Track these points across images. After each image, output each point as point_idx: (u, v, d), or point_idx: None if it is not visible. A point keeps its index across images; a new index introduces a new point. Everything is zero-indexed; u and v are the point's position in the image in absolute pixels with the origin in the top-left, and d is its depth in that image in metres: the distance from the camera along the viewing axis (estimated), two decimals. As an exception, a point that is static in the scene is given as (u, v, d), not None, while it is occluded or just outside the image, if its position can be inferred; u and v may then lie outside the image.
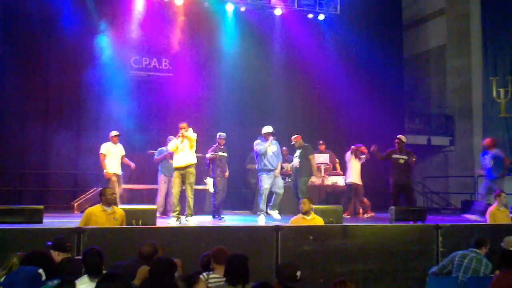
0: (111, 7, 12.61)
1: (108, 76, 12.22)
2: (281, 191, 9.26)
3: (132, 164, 9.89)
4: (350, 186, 10.75)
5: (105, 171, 9.38)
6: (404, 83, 16.64)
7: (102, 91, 12.10)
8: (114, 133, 9.71)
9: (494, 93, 13.59)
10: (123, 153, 9.78)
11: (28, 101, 11.99)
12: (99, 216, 6.19)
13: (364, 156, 10.85)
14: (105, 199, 6.27)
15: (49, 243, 4.77)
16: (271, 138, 9.24)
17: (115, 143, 9.64)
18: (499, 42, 16.48)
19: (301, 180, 9.74)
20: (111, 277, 3.51)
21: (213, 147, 9.85)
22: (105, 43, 12.22)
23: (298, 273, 4.34)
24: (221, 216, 9.55)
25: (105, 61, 12.22)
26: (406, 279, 6.85)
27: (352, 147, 11.00)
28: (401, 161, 9.79)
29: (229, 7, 13.71)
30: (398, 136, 10.06)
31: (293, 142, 10.16)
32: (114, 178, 9.40)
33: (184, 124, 8.53)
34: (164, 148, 10.29)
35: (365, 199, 10.95)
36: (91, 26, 12.24)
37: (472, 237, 6.10)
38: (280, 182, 9.33)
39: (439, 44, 18.41)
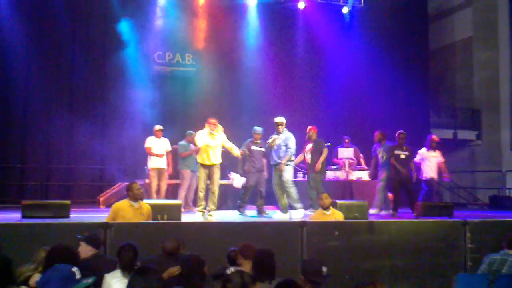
0: (135, 2, 12.66)
1: (132, 71, 12.32)
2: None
3: (170, 169, 9.94)
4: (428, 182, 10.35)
5: (149, 166, 9.63)
6: (429, 76, 16.39)
7: (126, 86, 12.20)
8: (157, 127, 9.83)
9: (523, 86, 13.30)
10: (169, 148, 9.87)
11: (53, 95, 12.14)
12: (127, 211, 6.22)
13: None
14: (132, 194, 6.31)
15: (80, 236, 4.82)
16: (278, 129, 8.92)
17: (158, 137, 9.76)
18: (528, 34, 16.14)
19: (311, 176, 9.62)
20: (144, 271, 3.56)
21: (246, 142, 9.63)
22: (129, 38, 12.29)
23: (324, 269, 4.30)
24: (244, 211, 9.41)
25: (129, 56, 12.31)
26: (433, 275, 6.75)
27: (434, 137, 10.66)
28: (403, 156, 9.71)
29: (252, 1, 13.66)
30: (401, 131, 9.92)
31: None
32: (153, 173, 9.49)
33: (214, 120, 8.30)
34: (184, 142, 10.29)
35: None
36: (115, 21, 12.31)
37: (501, 233, 5.98)
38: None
39: (465, 36, 18.10)
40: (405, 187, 9.72)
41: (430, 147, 10.38)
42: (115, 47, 12.22)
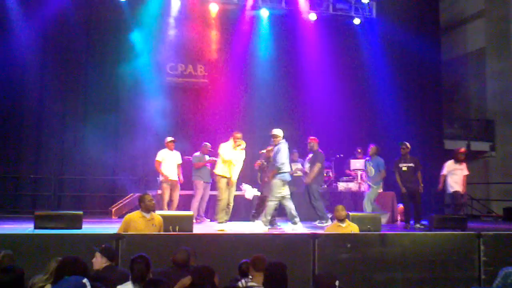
0: (148, 14, 12.78)
1: (144, 82, 12.43)
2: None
3: (181, 178, 9.94)
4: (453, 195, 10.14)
5: (161, 178, 9.61)
6: (442, 87, 16.30)
7: (139, 97, 12.31)
8: (169, 139, 9.86)
9: (537, 97, 13.18)
10: (180, 161, 9.90)
11: (66, 106, 12.28)
12: (139, 222, 6.24)
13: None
14: (144, 205, 6.33)
15: (96, 247, 4.84)
16: (274, 141, 8.72)
17: (171, 149, 9.79)
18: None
19: (312, 187, 9.57)
20: (154, 283, 3.56)
21: (263, 154, 9.62)
22: (141, 49, 12.41)
23: (337, 283, 4.27)
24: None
25: (142, 67, 12.43)
26: (446, 288, 6.67)
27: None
28: (405, 169, 9.65)
29: (264, 13, 13.73)
30: (403, 142, 9.84)
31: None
32: (165, 185, 9.53)
33: (239, 135, 8.40)
34: (198, 153, 10.34)
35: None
36: (128, 33, 12.45)
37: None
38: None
39: (478, 47, 18.00)
40: (412, 199, 9.68)
41: (457, 160, 10.16)
42: (128, 58, 12.34)
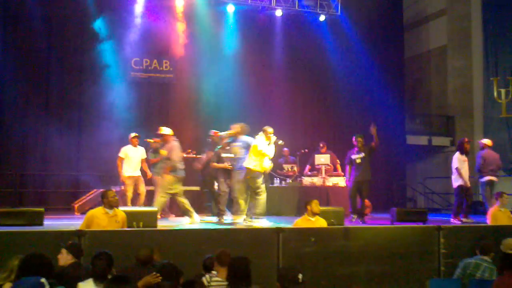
0: (112, 8, 12.60)
1: (109, 76, 12.26)
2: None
3: (149, 173, 9.84)
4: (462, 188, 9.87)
5: (123, 174, 9.51)
6: (404, 83, 16.63)
7: (103, 92, 12.14)
8: (132, 134, 9.74)
9: (495, 94, 13.55)
10: (144, 156, 9.79)
11: (28, 101, 12.01)
12: (101, 218, 6.17)
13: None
14: (107, 201, 6.26)
15: (63, 243, 4.79)
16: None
17: (135, 145, 9.66)
18: (500, 43, 16.50)
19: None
20: (118, 280, 3.53)
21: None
22: (106, 44, 12.24)
23: (300, 276, 4.32)
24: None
25: (106, 63, 12.26)
26: (407, 280, 6.82)
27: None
28: (358, 160, 9.69)
29: (230, 8, 13.71)
30: (356, 135, 9.91)
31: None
32: (128, 182, 9.41)
33: (271, 129, 8.37)
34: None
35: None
36: (92, 26, 12.25)
37: (474, 238, 6.09)
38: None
39: (440, 45, 18.41)
40: (359, 192, 9.70)
41: (464, 151, 10.06)
42: (92, 53, 12.15)
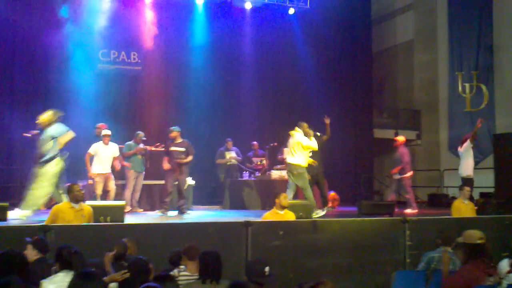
0: (79, -1, 12.37)
1: (76, 69, 12.02)
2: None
3: (118, 166, 9.65)
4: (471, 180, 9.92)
5: (91, 171, 9.36)
6: (372, 77, 16.82)
7: (70, 84, 11.88)
8: (104, 132, 9.54)
9: (460, 88, 13.89)
10: (116, 154, 9.58)
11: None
12: (67, 213, 6.09)
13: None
14: (73, 196, 6.18)
15: (29, 239, 4.70)
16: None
17: (106, 143, 9.47)
18: (465, 38, 16.81)
19: None
20: (85, 276, 3.49)
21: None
22: (73, 36, 11.99)
23: (267, 269, 4.36)
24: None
25: (73, 54, 12.01)
26: (374, 272, 6.91)
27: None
28: (309, 154, 9.81)
29: (199, 0, 13.61)
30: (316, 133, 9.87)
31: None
32: (97, 179, 9.28)
33: (306, 124, 8.69)
34: (131, 142, 10.14)
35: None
36: (57, 17, 11.98)
37: (438, 230, 6.21)
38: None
39: (407, 39, 18.67)
40: (317, 184, 9.76)
41: (472, 140, 9.90)
42: (58, 45, 11.88)
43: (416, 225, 7.34)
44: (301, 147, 8.48)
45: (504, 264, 5.09)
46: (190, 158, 9.25)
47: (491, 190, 12.06)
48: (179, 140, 9.28)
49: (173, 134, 9.32)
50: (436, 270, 5.57)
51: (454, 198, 10.27)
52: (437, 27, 17.83)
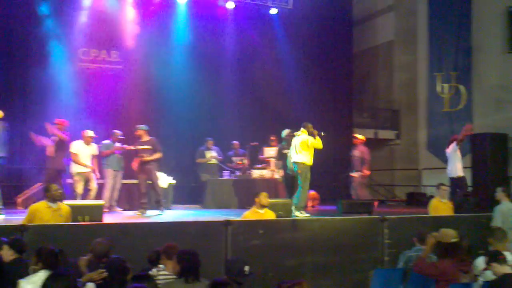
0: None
1: (55, 68, 11.88)
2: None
3: (97, 174, 9.62)
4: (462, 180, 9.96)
5: (73, 170, 9.30)
6: (353, 77, 16.95)
7: (49, 83, 11.74)
8: (88, 134, 9.45)
9: (439, 89, 14.04)
10: (95, 153, 9.57)
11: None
12: (44, 212, 6.03)
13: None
14: (50, 195, 6.13)
15: (4, 239, 4.65)
16: None
17: (87, 143, 9.41)
18: (444, 39, 17.04)
19: None
20: (56, 277, 3.47)
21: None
22: (52, 34, 11.87)
23: (247, 268, 4.38)
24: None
25: (53, 53, 11.88)
26: (353, 271, 6.99)
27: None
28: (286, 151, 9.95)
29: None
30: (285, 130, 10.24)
31: None
32: (77, 178, 9.21)
33: (311, 124, 8.93)
34: (108, 141, 10.06)
35: None
36: (37, 16, 11.85)
37: (416, 229, 6.30)
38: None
39: (387, 40, 18.85)
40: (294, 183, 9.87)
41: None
42: (38, 43, 11.75)
43: (394, 223, 7.43)
44: (306, 146, 8.70)
45: (480, 262, 5.18)
46: (156, 155, 9.15)
47: (469, 189, 12.25)
48: (146, 138, 9.22)
49: (139, 132, 9.25)
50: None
51: (432, 197, 10.39)
52: (417, 28, 18.04)
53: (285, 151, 9.89)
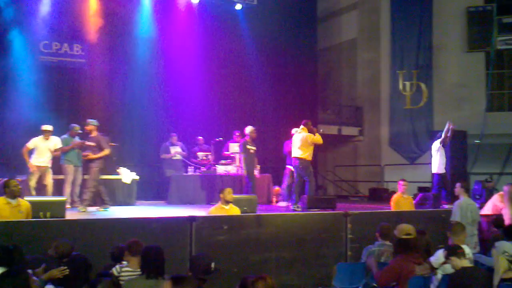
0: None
1: (16, 60, 11.57)
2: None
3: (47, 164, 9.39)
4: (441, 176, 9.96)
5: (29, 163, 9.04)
6: (317, 74, 17.09)
7: (9, 77, 11.42)
8: (45, 128, 9.22)
9: (400, 86, 14.33)
10: (57, 147, 9.31)
11: None
12: (3, 209, 5.90)
13: None
14: (9, 191, 5.99)
15: None
16: None
17: (46, 138, 9.18)
18: (406, 37, 17.39)
19: None
20: (9, 275, 3.41)
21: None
22: (12, 26, 11.53)
23: (213, 265, 4.39)
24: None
25: (13, 46, 11.55)
26: (316, 265, 7.08)
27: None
28: (252, 151, 10.25)
29: (146, -7, 13.39)
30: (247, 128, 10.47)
31: None
32: (34, 170, 9.00)
33: (310, 121, 9.57)
34: (66, 136, 9.85)
35: None
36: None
37: (378, 224, 6.41)
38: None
39: (351, 37, 19.10)
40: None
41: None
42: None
43: (357, 218, 7.56)
44: (307, 143, 9.14)
45: (439, 256, 5.31)
46: (102, 153, 8.95)
47: (429, 184, 12.56)
48: (94, 134, 9.07)
49: (89, 127, 9.11)
50: (378, 263, 5.75)
51: (393, 192, 10.61)
52: (380, 26, 18.33)
53: (248, 147, 10.05)
